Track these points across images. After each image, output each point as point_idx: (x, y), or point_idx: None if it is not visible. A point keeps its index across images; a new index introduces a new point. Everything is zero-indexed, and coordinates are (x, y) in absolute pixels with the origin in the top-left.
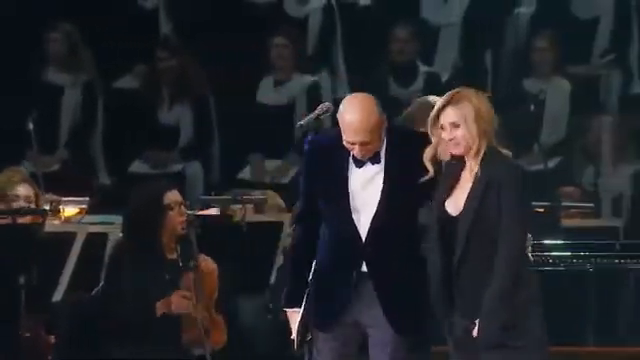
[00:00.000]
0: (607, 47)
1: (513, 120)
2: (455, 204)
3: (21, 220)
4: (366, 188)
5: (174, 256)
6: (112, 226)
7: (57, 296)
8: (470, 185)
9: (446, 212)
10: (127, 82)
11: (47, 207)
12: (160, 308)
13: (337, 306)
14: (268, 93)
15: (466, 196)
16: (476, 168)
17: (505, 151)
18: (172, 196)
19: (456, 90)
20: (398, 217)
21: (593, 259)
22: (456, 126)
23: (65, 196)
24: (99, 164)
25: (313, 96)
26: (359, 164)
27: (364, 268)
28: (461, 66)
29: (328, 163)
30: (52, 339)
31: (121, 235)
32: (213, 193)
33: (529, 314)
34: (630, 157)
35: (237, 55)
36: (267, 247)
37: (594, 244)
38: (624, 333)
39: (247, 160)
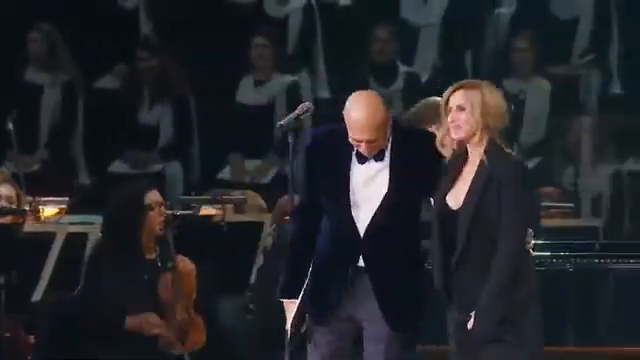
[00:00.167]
0: (587, 47)
1: None
2: (456, 198)
3: (1, 220)
4: (368, 184)
5: (153, 256)
6: (92, 226)
7: (37, 296)
8: (471, 179)
9: (447, 206)
10: (107, 82)
11: (27, 207)
12: (131, 324)
13: (333, 300)
14: (248, 93)
15: (467, 190)
16: (478, 162)
17: (508, 150)
18: (152, 197)
19: (472, 80)
20: (399, 214)
21: (573, 259)
22: (461, 109)
23: (45, 196)
24: (79, 164)
25: (293, 96)
26: (362, 160)
27: (361, 263)
28: (441, 66)
29: (330, 158)
30: (32, 339)
31: (101, 235)
32: (193, 193)
33: (526, 311)
34: (609, 157)
35: (217, 55)
36: (247, 247)
37: (574, 244)
38: (604, 333)
39: (227, 160)
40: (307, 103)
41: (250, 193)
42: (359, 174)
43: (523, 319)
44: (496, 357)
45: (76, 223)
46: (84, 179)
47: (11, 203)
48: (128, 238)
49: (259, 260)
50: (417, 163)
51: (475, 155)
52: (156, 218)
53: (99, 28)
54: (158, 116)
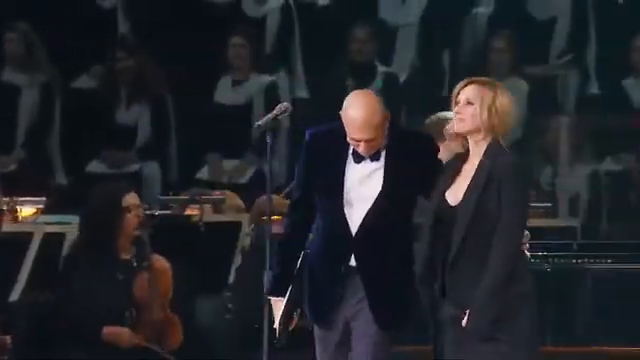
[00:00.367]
0: (564, 48)
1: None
2: (455, 195)
3: None
4: (363, 184)
5: (128, 257)
6: (69, 226)
7: (14, 296)
8: (471, 177)
9: (445, 202)
10: (84, 82)
11: (4, 207)
12: (107, 336)
13: (326, 307)
14: (226, 93)
15: (466, 187)
16: (478, 160)
17: (509, 150)
18: (130, 199)
19: (489, 78)
20: (391, 215)
21: (550, 259)
22: (469, 103)
23: (22, 196)
24: (56, 164)
25: (271, 96)
26: (358, 160)
27: (353, 262)
28: (419, 66)
29: (327, 156)
30: (9, 339)
31: (78, 234)
32: (171, 193)
33: (520, 309)
34: (587, 157)
35: (195, 55)
36: (225, 247)
37: (551, 244)
38: (582, 333)
39: (205, 160)
40: (285, 103)
41: (229, 193)
42: (354, 173)
43: (517, 318)
44: (490, 355)
45: (53, 223)
46: (61, 179)
47: None
48: (104, 239)
49: (237, 260)
50: (413, 164)
51: (476, 153)
52: (133, 220)
53: (76, 28)
54: (135, 116)
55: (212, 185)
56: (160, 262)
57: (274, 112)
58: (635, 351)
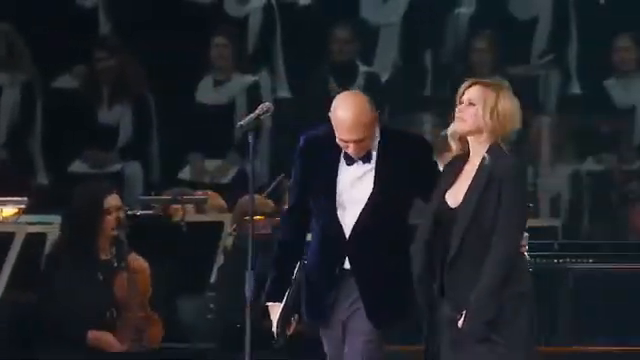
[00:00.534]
0: (546, 48)
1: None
2: (455, 196)
3: None
4: (355, 186)
5: (108, 257)
6: (51, 226)
7: None
8: (472, 178)
9: (445, 203)
10: (66, 82)
11: None
12: (92, 340)
13: (322, 309)
14: (208, 93)
15: (466, 189)
16: (478, 161)
17: (509, 152)
18: (112, 200)
19: (497, 81)
20: (385, 216)
21: (532, 259)
22: (471, 104)
23: (4, 196)
24: (38, 164)
25: (253, 96)
26: (349, 162)
27: (347, 265)
28: (401, 66)
29: (319, 159)
30: None
31: (60, 234)
32: (153, 193)
33: (518, 311)
34: (568, 157)
35: (177, 55)
36: (207, 247)
37: (532, 244)
38: (563, 333)
39: (187, 160)
40: (267, 103)
41: (211, 193)
42: (346, 176)
43: (514, 319)
44: (486, 356)
45: (35, 223)
46: (43, 179)
47: None
48: (85, 239)
49: (219, 260)
50: (404, 165)
51: (477, 154)
52: (113, 222)
53: (58, 28)
54: (117, 116)
55: (194, 185)
56: (138, 262)
57: (256, 112)
58: (616, 351)
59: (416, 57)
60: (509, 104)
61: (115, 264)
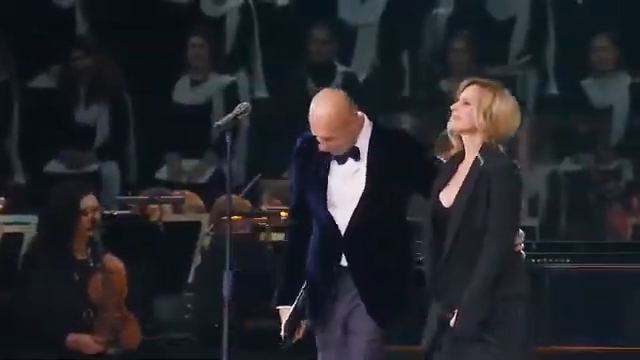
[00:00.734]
0: (523, 48)
1: (430, 120)
2: (448, 196)
3: None
4: (346, 184)
5: (84, 257)
6: (28, 226)
7: None
8: (464, 178)
9: (439, 203)
10: (43, 81)
11: None
12: (71, 343)
13: (322, 307)
14: (185, 93)
15: (458, 188)
16: (472, 161)
17: (503, 153)
18: (88, 201)
19: (496, 82)
20: (378, 213)
21: None
22: (466, 104)
23: None
24: (15, 164)
25: (230, 96)
26: (340, 160)
27: (344, 262)
28: (379, 66)
29: (313, 159)
30: None
31: (36, 234)
32: (130, 193)
33: (513, 311)
34: (546, 157)
35: (154, 55)
36: (185, 247)
37: None
38: (541, 333)
39: (164, 160)
40: (245, 103)
41: (189, 193)
42: (337, 174)
43: (508, 319)
44: (479, 357)
45: (12, 223)
46: (19, 179)
47: None
48: (61, 239)
49: (197, 260)
50: (396, 162)
51: (471, 154)
52: (89, 222)
53: (34, 28)
54: (94, 115)
55: (171, 185)
56: (113, 262)
57: (234, 112)
58: (595, 350)
59: (394, 57)
60: (504, 106)
61: (91, 264)
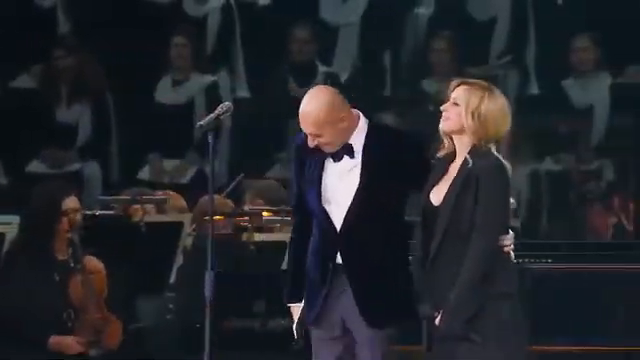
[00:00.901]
0: (504, 48)
1: (412, 120)
2: (438, 195)
3: None
4: (342, 181)
5: (65, 257)
6: (9, 226)
7: None
8: (453, 177)
9: (430, 202)
10: (24, 81)
11: None
12: (53, 345)
13: (318, 304)
14: (167, 93)
15: (447, 188)
16: (461, 161)
17: (494, 153)
18: (70, 203)
19: (486, 83)
20: (374, 211)
21: None
22: (455, 104)
23: None
24: None
25: (212, 96)
26: (336, 158)
27: (339, 260)
28: (360, 66)
29: (310, 157)
30: None
31: (18, 233)
32: (112, 193)
33: (499, 310)
34: (527, 157)
35: (136, 54)
36: (167, 247)
37: None
38: None
39: (146, 160)
40: (227, 103)
41: (172, 194)
42: (333, 171)
43: (495, 319)
44: (463, 355)
45: None
46: (1, 179)
47: None
48: (42, 239)
49: (179, 260)
50: (391, 159)
51: (461, 154)
52: (68, 224)
53: (16, 27)
54: (76, 115)
55: (153, 185)
56: (93, 263)
57: (216, 112)
58: (576, 350)
59: (375, 57)
60: (493, 107)
61: (72, 265)
